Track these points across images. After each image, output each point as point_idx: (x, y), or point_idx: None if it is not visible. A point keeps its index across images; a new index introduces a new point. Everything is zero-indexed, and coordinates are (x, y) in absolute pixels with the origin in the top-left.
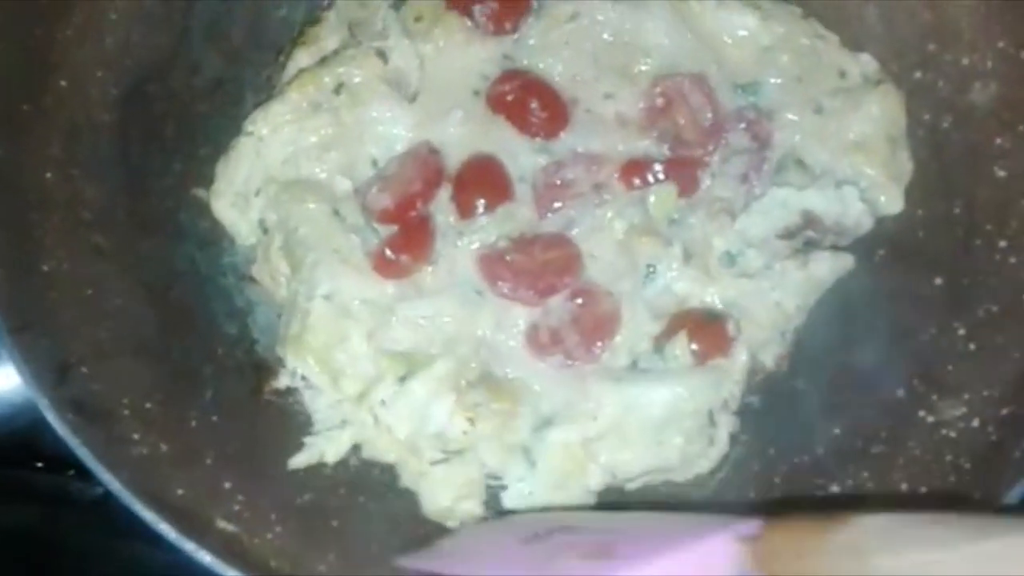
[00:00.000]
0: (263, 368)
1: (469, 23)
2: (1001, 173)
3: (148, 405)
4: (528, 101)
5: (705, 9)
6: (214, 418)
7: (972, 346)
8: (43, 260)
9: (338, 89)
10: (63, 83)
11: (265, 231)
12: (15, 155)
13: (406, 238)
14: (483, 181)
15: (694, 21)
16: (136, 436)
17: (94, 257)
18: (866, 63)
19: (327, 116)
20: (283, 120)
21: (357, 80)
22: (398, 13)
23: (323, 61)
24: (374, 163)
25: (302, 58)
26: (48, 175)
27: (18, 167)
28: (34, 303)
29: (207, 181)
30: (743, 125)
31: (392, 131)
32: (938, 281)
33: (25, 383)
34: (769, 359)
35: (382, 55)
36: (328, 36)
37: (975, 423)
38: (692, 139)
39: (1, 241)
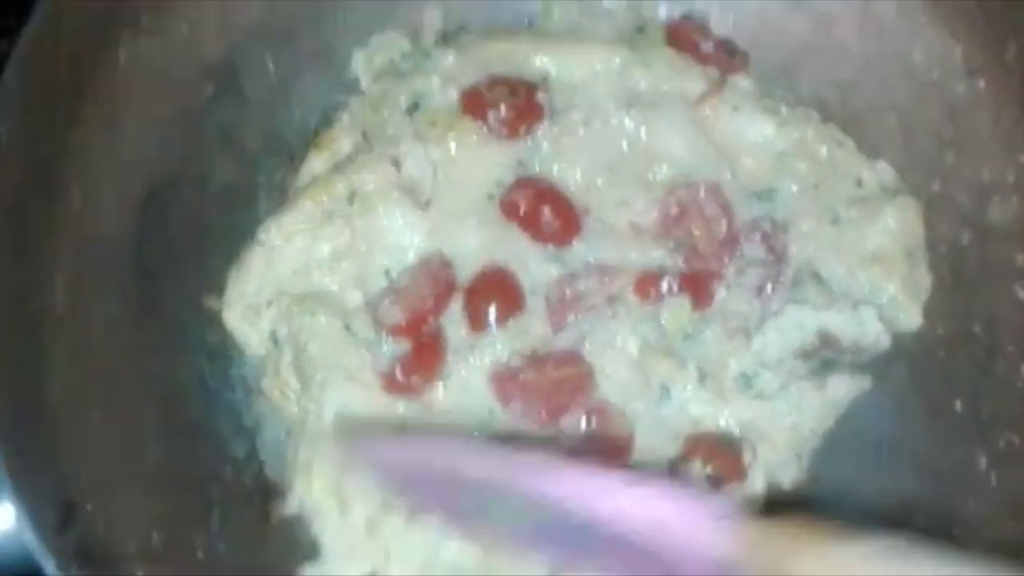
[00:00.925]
0: (271, 493)
1: (484, 128)
2: (1022, 294)
3: (154, 538)
4: (541, 209)
5: (720, 115)
6: (221, 547)
7: (993, 480)
8: (51, 387)
9: (351, 197)
10: (75, 198)
11: (276, 343)
12: (26, 281)
13: (417, 358)
14: (495, 293)
15: (709, 128)
16: (141, 574)
17: (102, 379)
18: (883, 171)
19: (340, 224)
20: (296, 229)
21: (370, 187)
22: (412, 118)
23: (336, 168)
24: (387, 273)
25: (316, 163)
26: (58, 296)
27: (28, 293)
28: (40, 437)
29: (219, 290)
30: (758, 236)
31: (405, 240)
32: (958, 405)
33: (27, 533)
34: (786, 481)
35: (395, 162)
36: (342, 139)
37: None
38: (707, 250)
39: (8, 377)
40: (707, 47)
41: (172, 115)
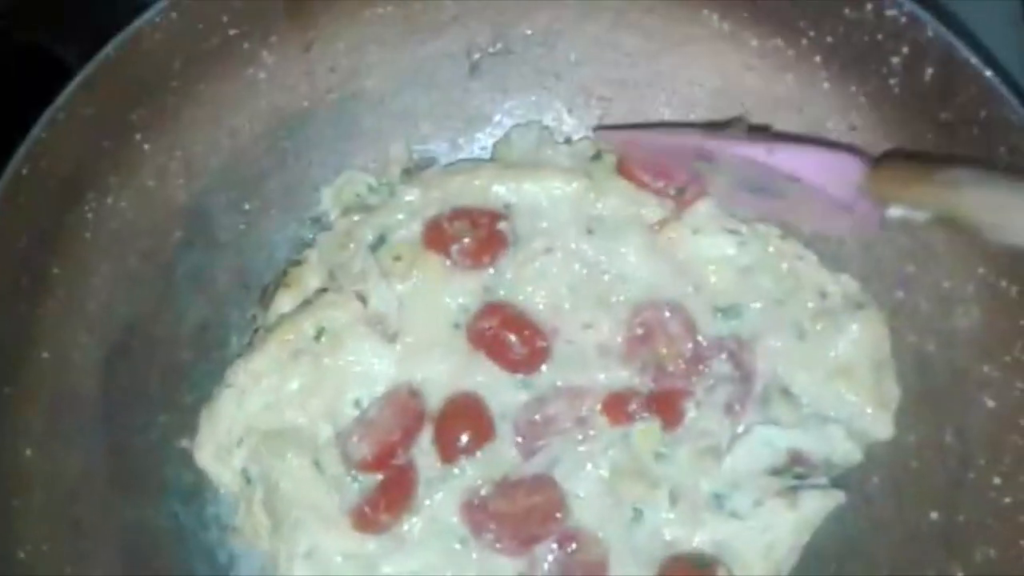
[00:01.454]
0: None
1: (447, 261)
2: (991, 403)
3: None
4: (508, 336)
5: (682, 237)
6: None
7: None
8: (20, 546)
9: (319, 335)
10: (45, 355)
11: (248, 481)
12: None
13: (385, 495)
14: (465, 422)
15: (670, 248)
16: None
17: (73, 533)
18: (846, 283)
19: (308, 362)
20: (264, 370)
21: (337, 324)
22: (377, 253)
23: (303, 306)
24: (356, 404)
25: (284, 301)
26: (28, 452)
27: None
28: None
29: (192, 431)
30: (725, 354)
31: (373, 372)
32: (934, 516)
33: None
34: None
35: (361, 298)
36: (310, 277)
37: None
38: (674, 369)
39: None
40: (658, 184)
41: (141, 263)
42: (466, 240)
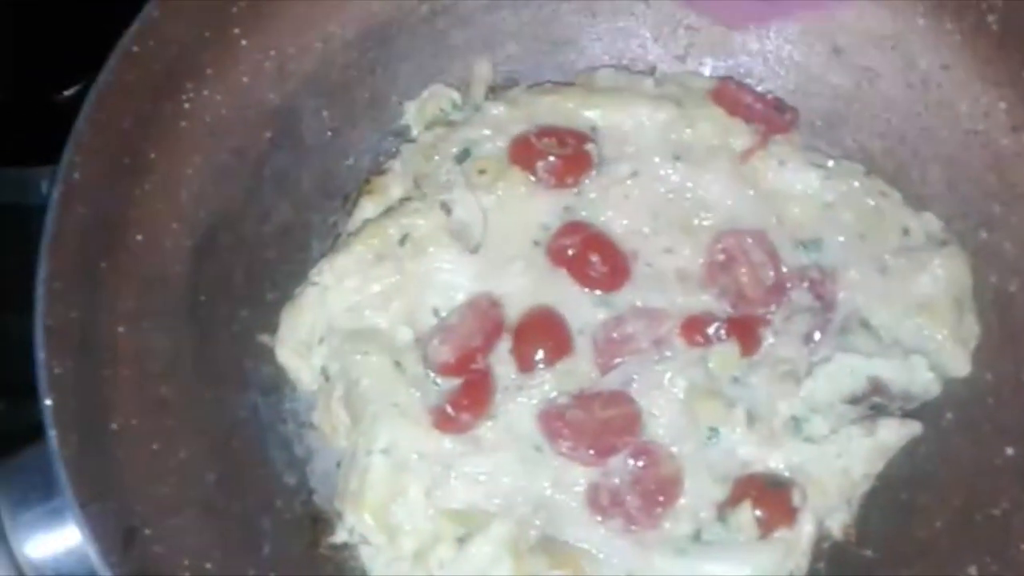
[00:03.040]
0: (321, 521)
1: (532, 178)
2: None
3: (208, 565)
4: (589, 255)
5: (768, 168)
6: (272, 575)
7: None
8: (112, 418)
9: (403, 240)
10: (139, 237)
11: (327, 379)
12: (91, 314)
13: (467, 395)
14: (543, 335)
15: (755, 178)
16: None
17: (160, 410)
18: (929, 222)
19: (391, 266)
20: (348, 271)
21: (421, 231)
22: (462, 166)
23: (388, 212)
24: (436, 312)
25: (367, 207)
26: (120, 329)
27: (93, 326)
28: (103, 467)
29: (272, 328)
30: (806, 284)
31: (454, 281)
32: (1009, 451)
33: (91, 554)
34: (835, 527)
35: (446, 207)
36: (393, 186)
37: None
38: (754, 297)
39: (75, 407)
40: (755, 106)
41: (231, 159)
42: (552, 158)
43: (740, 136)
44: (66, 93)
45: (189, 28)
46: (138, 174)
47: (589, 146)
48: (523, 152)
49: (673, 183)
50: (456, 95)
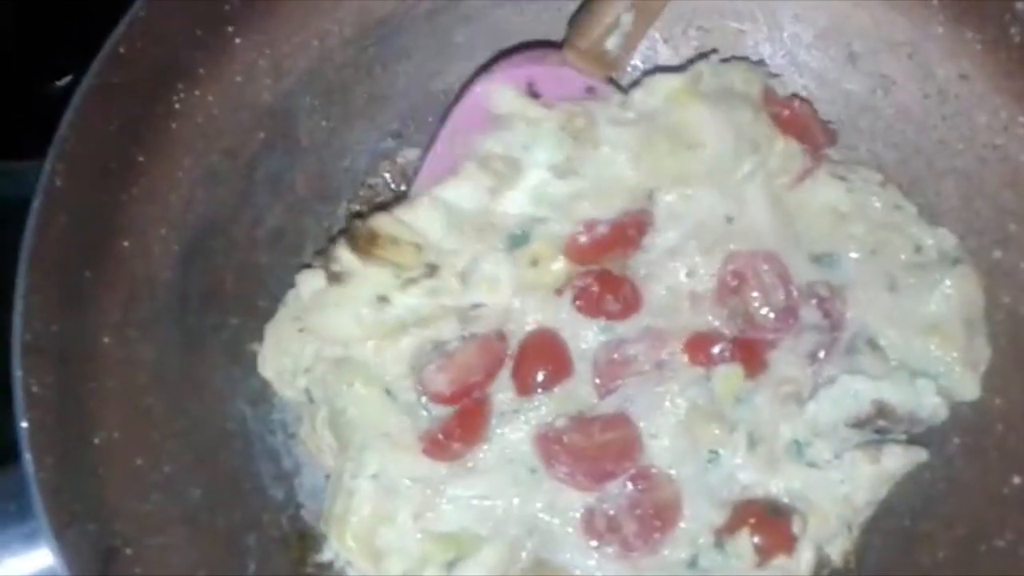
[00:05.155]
0: (307, 537)
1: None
2: None
3: None
4: (604, 295)
5: (803, 187)
6: None
7: None
8: (94, 432)
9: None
10: (126, 244)
11: (311, 400)
12: (73, 326)
13: (460, 424)
14: (545, 359)
15: (786, 197)
16: None
17: (145, 423)
18: (943, 237)
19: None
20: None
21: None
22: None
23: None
24: (436, 346)
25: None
26: (105, 339)
27: (76, 338)
28: (83, 485)
29: (263, 335)
30: (814, 301)
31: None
32: (1016, 480)
33: None
34: (836, 554)
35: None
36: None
37: None
38: (763, 321)
39: (54, 424)
40: (814, 133)
41: (223, 161)
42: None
43: (791, 160)
44: (59, 83)
45: (180, 27)
46: (125, 178)
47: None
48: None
49: (717, 212)
50: None
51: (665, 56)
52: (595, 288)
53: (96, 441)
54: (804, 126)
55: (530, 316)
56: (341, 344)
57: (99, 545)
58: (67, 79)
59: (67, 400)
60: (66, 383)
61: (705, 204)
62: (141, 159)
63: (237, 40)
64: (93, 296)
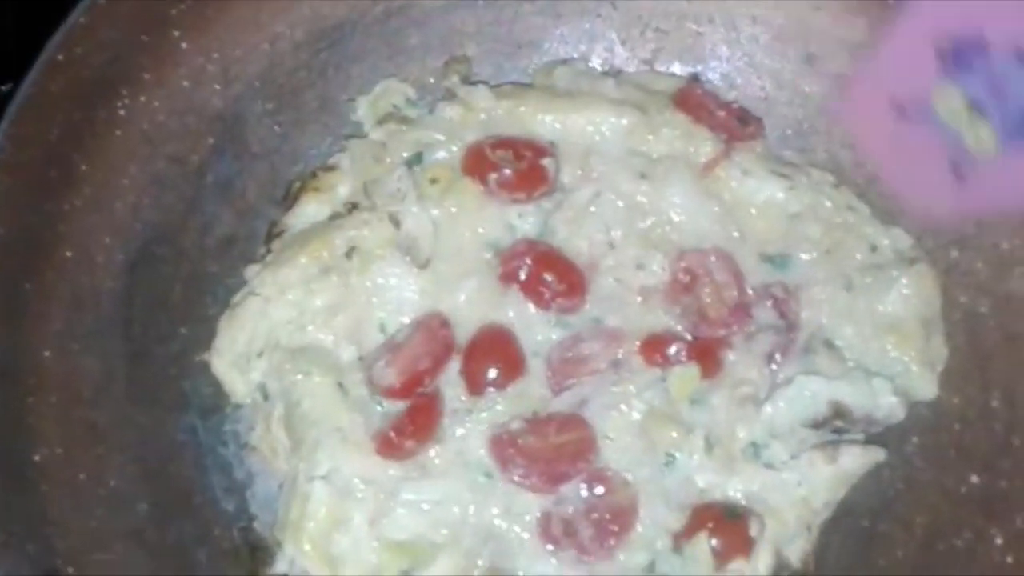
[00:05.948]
0: (260, 550)
1: (484, 190)
2: None
3: None
4: (542, 274)
5: (730, 178)
6: None
7: (1010, 559)
8: (36, 449)
9: (349, 253)
10: (68, 253)
11: (266, 397)
12: (13, 340)
13: (411, 421)
14: (495, 355)
15: (719, 190)
16: None
17: (89, 438)
18: (899, 238)
19: (336, 279)
20: (291, 283)
21: (368, 244)
22: (413, 173)
23: (335, 221)
24: (382, 328)
25: (311, 206)
26: (46, 353)
27: (16, 352)
28: (22, 504)
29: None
30: (770, 302)
31: (402, 297)
32: (974, 479)
33: None
34: (794, 556)
35: (394, 219)
36: (340, 185)
37: None
38: (716, 317)
39: None
40: (719, 114)
41: (171, 167)
42: (507, 171)
43: (703, 145)
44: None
45: (124, 32)
46: (67, 187)
47: (546, 160)
48: (476, 162)
49: (634, 199)
50: (411, 91)
51: (622, 58)
52: (530, 263)
53: (37, 458)
54: (709, 111)
55: (473, 300)
56: (298, 327)
57: (39, 566)
58: (6, 87)
59: (6, 417)
60: (5, 399)
61: (612, 149)
62: (84, 167)
63: (184, 44)
64: (34, 308)
